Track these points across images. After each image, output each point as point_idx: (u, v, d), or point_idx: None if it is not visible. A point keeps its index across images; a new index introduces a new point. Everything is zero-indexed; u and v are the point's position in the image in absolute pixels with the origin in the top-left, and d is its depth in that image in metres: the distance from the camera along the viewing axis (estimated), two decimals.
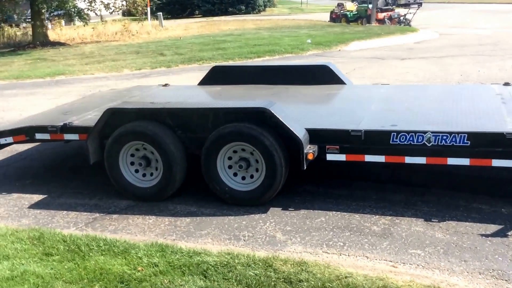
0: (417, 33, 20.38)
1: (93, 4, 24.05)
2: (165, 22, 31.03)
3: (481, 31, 21.13)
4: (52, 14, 24.91)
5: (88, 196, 5.62)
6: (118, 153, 5.31)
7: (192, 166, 5.30)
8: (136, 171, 5.40)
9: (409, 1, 37.51)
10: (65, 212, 5.25)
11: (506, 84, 6.42)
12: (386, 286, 3.55)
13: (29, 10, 24.31)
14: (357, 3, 29.55)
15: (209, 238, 4.53)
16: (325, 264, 3.91)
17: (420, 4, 34.64)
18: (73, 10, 22.87)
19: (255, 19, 34.11)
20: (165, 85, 7.89)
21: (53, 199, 5.59)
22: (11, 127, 6.07)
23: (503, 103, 5.52)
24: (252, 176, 5.08)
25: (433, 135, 4.62)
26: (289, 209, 5.00)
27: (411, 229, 4.47)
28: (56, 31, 27.69)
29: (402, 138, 4.72)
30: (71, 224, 4.97)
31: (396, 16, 26.37)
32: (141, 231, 4.75)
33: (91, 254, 4.18)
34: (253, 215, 4.91)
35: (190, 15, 46.67)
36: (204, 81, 7.59)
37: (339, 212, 4.86)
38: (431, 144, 4.64)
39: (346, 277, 3.70)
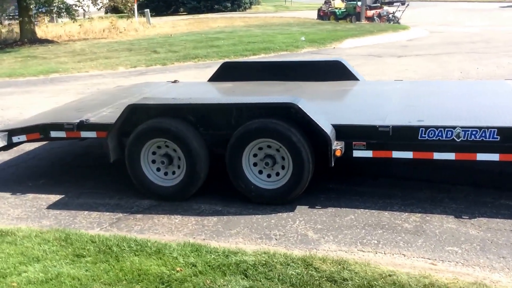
0: (408, 31, 20.48)
1: (81, 0, 23.70)
2: (151, 19, 30.74)
3: (469, 29, 21.30)
4: (39, 10, 24.45)
5: (107, 195, 5.51)
6: (139, 151, 5.21)
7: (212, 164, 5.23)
8: (158, 169, 5.30)
9: (392, 0, 37.71)
10: (86, 212, 5.14)
11: None
12: (433, 284, 3.52)
13: (13, 7, 23.95)
14: (345, 1, 29.60)
15: (240, 237, 4.47)
16: (364, 263, 3.86)
17: (404, 3, 34.81)
18: (61, 6, 22.48)
19: (243, 17, 33.98)
20: (175, 81, 7.79)
21: (71, 199, 5.47)
22: (22, 125, 5.93)
23: None
24: (278, 174, 5.02)
25: (462, 131, 4.60)
26: (316, 207, 4.95)
27: (443, 226, 4.45)
28: (42, 28, 27.25)
29: (431, 134, 4.69)
30: (94, 225, 4.86)
31: (385, 13, 26.47)
32: (168, 231, 4.66)
33: (124, 255, 4.09)
34: (280, 213, 4.85)
35: (175, 12, 46.36)
36: (214, 78, 7.50)
37: (367, 210, 4.82)
38: (460, 139, 4.62)
39: (389, 275, 3.66)
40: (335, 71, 7.00)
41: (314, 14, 31.24)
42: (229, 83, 7.16)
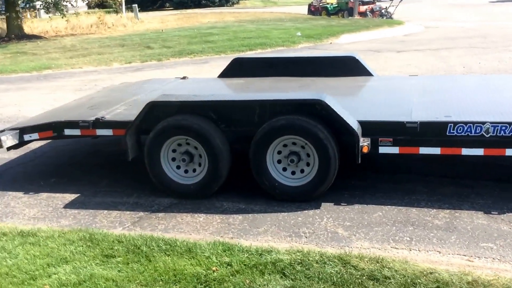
0: (403, 26, 20.58)
1: None
2: (138, 15, 30.53)
3: (463, 24, 21.44)
4: (27, 5, 24.14)
5: (125, 194, 5.45)
6: (159, 149, 5.16)
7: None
8: (178, 167, 5.25)
9: None
10: (105, 211, 5.07)
11: None
12: (476, 281, 3.52)
13: None
14: None
15: (268, 235, 4.44)
16: (402, 260, 3.86)
17: None
18: (50, 0, 22.21)
19: (233, 12, 33.92)
20: (184, 77, 7.72)
21: (88, 198, 5.39)
22: (34, 123, 5.83)
23: None
24: (302, 171, 5.00)
25: (491, 126, 4.61)
26: (342, 204, 4.94)
27: (474, 222, 4.46)
28: (27, 23, 26.93)
29: (460, 129, 4.70)
30: (116, 224, 4.81)
31: (377, 9, 26.59)
32: (194, 230, 4.61)
33: (154, 254, 4.04)
34: (306, 210, 4.83)
35: (161, 7, 46.17)
36: (225, 74, 7.45)
37: (394, 207, 4.82)
38: (489, 135, 4.63)
39: (430, 273, 3.65)
40: (349, 67, 6.99)
41: (304, 10, 31.30)
42: (241, 79, 7.12)
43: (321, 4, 29.50)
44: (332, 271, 3.70)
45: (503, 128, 4.59)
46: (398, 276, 3.61)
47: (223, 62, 14.03)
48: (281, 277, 3.66)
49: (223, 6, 45.14)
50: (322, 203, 4.95)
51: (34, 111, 9.26)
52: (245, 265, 3.82)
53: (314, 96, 4.87)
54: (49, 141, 7.32)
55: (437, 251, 4.06)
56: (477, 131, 4.65)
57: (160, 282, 3.65)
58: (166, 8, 45.92)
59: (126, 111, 5.83)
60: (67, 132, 5.60)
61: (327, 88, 6.36)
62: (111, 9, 34.71)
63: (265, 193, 5.09)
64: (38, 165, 6.60)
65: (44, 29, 25.88)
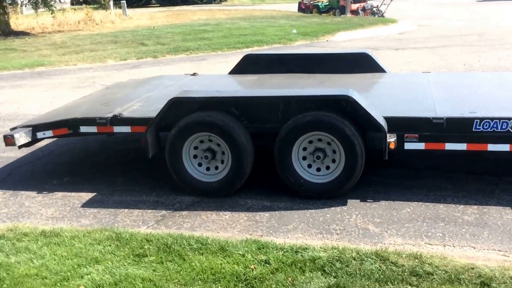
0: (397, 24, 20.67)
1: None
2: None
3: (455, 23, 21.57)
4: (14, 1, 23.80)
5: (143, 192, 5.38)
6: (182, 146, 5.10)
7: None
8: (200, 164, 5.20)
9: None
10: (126, 210, 5.00)
11: None
12: None
13: None
14: None
15: (299, 232, 4.41)
16: (440, 256, 3.86)
17: None
18: None
19: (222, 9, 33.81)
20: (194, 74, 7.66)
21: (106, 197, 5.32)
22: (47, 120, 5.73)
23: None
24: (328, 167, 4.98)
25: None
26: (368, 200, 4.93)
27: (503, 218, 4.47)
28: (12, 19, 26.54)
29: (486, 125, 4.72)
30: (139, 223, 4.74)
31: (369, 7, 26.68)
32: (221, 228, 4.57)
33: (187, 253, 3.99)
34: (333, 207, 4.81)
35: (147, 4, 45.82)
36: (236, 70, 7.39)
37: (421, 203, 4.82)
38: None
39: (471, 268, 3.66)
40: (362, 63, 6.99)
41: (293, 7, 31.31)
42: (253, 76, 7.07)
43: (312, 2, 29.51)
44: (373, 267, 3.68)
45: None
46: (440, 272, 3.61)
47: (221, 59, 14.07)
48: (322, 274, 3.64)
49: (211, 3, 44.97)
50: (348, 200, 4.94)
51: (34, 108, 9.18)
52: (283, 262, 3.79)
53: (341, 92, 4.85)
54: (55, 139, 7.22)
55: (472, 247, 4.07)
56: (503, 127, 4.68)
57: (199, 282, 3.60)
58: (153, 5, 45.59)
59: (142, 108, 5.76)
60: (83, 129, 5.52)
61: (344, 84, 6.34)
62: (96, 5, 34.40)
63: (288, 190, 5.06)
64: (46, 163, 6.49)
65: (30, 26, 25.51)
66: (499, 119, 4.69)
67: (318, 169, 5.00)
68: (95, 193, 5.42)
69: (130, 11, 33.47)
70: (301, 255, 3.89)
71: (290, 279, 3.56)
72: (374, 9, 26.49)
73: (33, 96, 10.28)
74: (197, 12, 31.09)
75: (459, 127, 4.78)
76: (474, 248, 4.05)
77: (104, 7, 30.40)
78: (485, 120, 4.71)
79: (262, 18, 24.53)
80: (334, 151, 4.92)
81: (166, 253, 4.01)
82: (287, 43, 16.53)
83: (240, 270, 3.71)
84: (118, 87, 7.32)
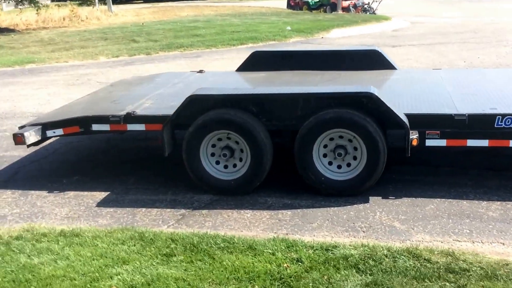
0: (390, 21, 20.82)
1: None
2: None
3: (448, 20, 21.78)
4: None
5: (158, 191, 5.35)
6: (199, 144, 5.08)
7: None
8: (217, 162, 5.18)
9: None
10: (144, 209, 4.97)
11: None
12: None
13: None
14: None
15: (324, 230, 4.42)
16: (472, 252, 3.89)
17: None
18: None
19: (210, 5, 33.77)
20: (200, 71, 7.62)
21: (120, 196, 5.28)
22: (56, 118, 5.66)
23: None
24: (349, 165, 5.00)
25: None
26: (390, 197, 4.96)
27: None
28: None
29: (508, 122, 4.77)
30: (159, 222, 4.71)
31: (360, 4, 26.82)
32: (243, 226, 4.56)
33: (216, 252, 3.97)
34: (356, 205, 4.83)
35: (130, 0, 45.56)
36: (243, 67, 7.37)
37: (444, 199, 4.86)
38: None
39: (506, 264, 3.70)
40: (372, 60, 7.01)
41: (281, 4, 31.31)
42: (262, 73, 7.06)
43: None
44: (407, 265, 3.70)
45: None
46: (476, 268, 3.64)
47: (216, 56, 14.04)
48: (357, 272, 3.65)
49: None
50: (370, 197, 4.96)
51: (30, 106, 9.10)
52: (315, 261, 3.80)
53: (363, 89, 4.87)
54: (57, 138, 7.15)
55: (501, 243, 4.11)
56: None
57: (233, 281, 3.59)
58: (137, 1, 45.36)
59: (154, 106, 5.73)
60: (95, 127, 5.47)
61: (356, 81, 6.36)
62: (80, 1, 34.12)
63: (308, 188, 5.07)
64: (53, 162, 6.42)
65: (13, 22, 25.18)
66: None
67: (339, 167, 5.02)
68: (108, 192, 5.37)
69: (115, 8, 33.25)
70: (332, 253, 3.90)
71: (326, 277, 3.57)
72: (366, 6, 26.66)
73: (28, 94, 10.16)
74: (184, 9, 30.99)
75: (480, 124, 4.83)
76: (503, 244, 4.10)
77: (89, 3, 30.17)
78: (507, 117, 4.77)
79: (252, 15, 24.53)
80: (356, 148, 4.94)
81: (194, 252, 3.99)
82: (281, 40, 16.55)
83: (273, 268, 3.71)
84: (122, 84, 7.26)
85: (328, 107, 4.89)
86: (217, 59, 13.71)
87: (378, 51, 7.10)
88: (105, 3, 30.75)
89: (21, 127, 5.65)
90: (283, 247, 4.01)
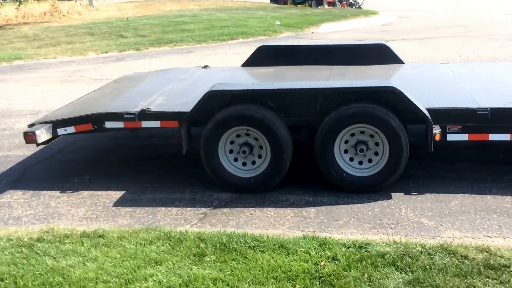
0: (379, 16, 20.92)
1: None
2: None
3: (436, 15, 21.97)
4: None
5: (176, 190, 5.28)
6: (218, 140, 5.02)
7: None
8: (236, 159, 5.13)
9: None
10: (163, 208, 4.90)
11: None
12: None
13: None
14: None
15: (351, 227, 4.40)
16: (507, 248, 3.91)
17: None
18: None
19: (193, 0, 33.44)
20: (205, 66, 7.54)
21: (137, 195, 5.20)
22: (68, 116, 5.55)
23: None
24: (370, 161, 4.99)
25: None
26: (412, 193, 4.96)
27: None
28: None
29: None
30: (181, 221, 4.65)
31: None
32: (269, 225, 4.52)
33: (248, 251, 3.93)
34: (379, 201, 4.82)
35: None
36: (249, 62, 7.31)
37: (468, 195, 4.87)
38: None
39: None
40: (380, 54, 7.02)
41: None
42: (269, 68, 7.01)
43: None
44: (445, 262, 3.70)
45: None
46: None
47: (208, 51, 13.97)
48: (396, 269, 3.63)
49: None
50: (392, 193, 4.96)
51: (27, 104, 8.97)
52: (351, 259, 3.77)
53: (385, 84, 4.87)
54: (60, 136, 7.01)
55: None
56: None
57: (272, 280, 3.55)
58: None
59: (166, 102, 5.65)
60: (108, 124, 5.37)
61: (365, 76, 6.34)
62: None
63: (327, 184, 5.05)
64: (60, 161, 6.30)
65: None
66: None
67: (360, 163, 5.01)
68: (124, 192, 5.29)
69: (96, 2, 32.84)
70: (366, 251, 3.88)
71: (366, 275, 3.55)
72: (351, 0, 26.73)
73: (21, 91, 9.98)
74: (167, 3, 30.65)
75: (503, 118, 4.85)
76: None
77: None
78: None
79: (238, 10, 24.42)
80: (377, 144, 4.93)
81: (225, 251, 3.94)
82: (272, 35, 16.51)
83: (310, 267, 3.68)
84: (127, 80, 7.15)
85: (348, 102, 4.87)
86: (210, 54, 13.61)
87: (386, 45, 7.12)
88: None
89: (30, 125, 5.52)
90: (316, 245, 3.98)
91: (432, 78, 6.17)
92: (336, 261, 3.75)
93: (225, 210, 4.82)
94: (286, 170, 5.05)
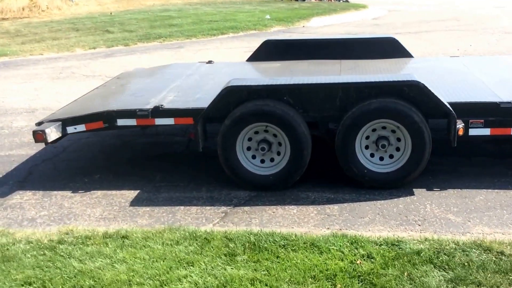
0: (368, 10, 21.00)
1: None
2: None
3: (425, 8, 22.06)
4: None
5: (192, 188, 5.25)
6: (236, 137, 5.00)
7: None
8: (253, 157, 5.12)
9: None
10: (182, 207, 4.87)
11: None
12: None
13: None
14: None
15: (378, 225, 4.41)
16: None
17: None
18: None
19: None
20: (209, 62, 7.49)
21: (152, 194, 5.15)
22: (77, 114, 5.46)
23: None
24: (391, 156, 5.00)
25: None
26: (434, 189, 4.99)
27: None
28: None
29: None
30: (203, 220, 4.62)
31: None
32: (293, 223, 4.51)
33: (280, 250, 3.92)
34: (402, 197, 4.85)
35: None
36: (255, 57, 7.27)
37: (491, 190, 4.92)
38: None
39: None
40: (388, 48, 7.05)
41: None
42: (276, 63, 6.99)
43: None
44: (482, 258, 3.73)
45: None
46: None
47: (198, 46, 13.90)
48: (435, 267, 3.65)
49: None
50: (413, 189, 4.98)
51: (20, 101, 8.87)
52: (386, 256, 3.78)
53: (409, 78, 4.88)
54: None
55: None
56: None
57: (311, 279, 3.55)
58: None
59: (178, 98, 5.61)
60: (120, 122, 5.31)
61: (377, 70, 6.37)
62: None
63: (346, 180, 5.07)
64: (66, 160, 6.21)
65: None
66: None
67: (381, 158, 5.02)
68: (138, 191, 5.24)
69: None
70: (400, 248, 3.90)
71: (406, 273, 3.56)
72: None
73: (13, 89, 9.82)
74: None
75: None
76: None
77: None
78: None
79: (224, 4, 24.35)
80: (399, 139, 4.95)
81: (256, 251, 3.93)
82: (262, 29, 16.48)
83: (347, 266, 3.68)
84: (130, 77, 7.07)
85: (369, 97, 4.88)
86: (201, 49, 13.54)
87: (395, 39, 7.15)
88: None
89: (38, 124, 5.43)
90: (348, 244, 3.98)
91: (446, 72, 6.22)
92: (371, 259, 3.76)
93: (246, 208, 4.80)
94: (306, 166, 5.05)
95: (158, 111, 5.23)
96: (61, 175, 5.74)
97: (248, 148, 5.10)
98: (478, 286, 3.42)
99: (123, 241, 4.15)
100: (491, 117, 4.91)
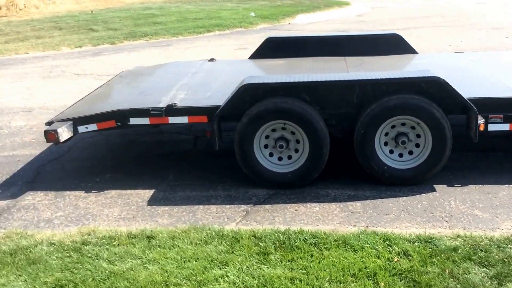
0: (351, 7, 21.08)
1: None
2: None
3: (408, 5, 22.08)
4: None
5: (208, 187, 5.18)
6: (253, 135, 4.95)
7: None
8: (271, 154, 5.07)
9: None
10: (201, 206, 4.80)
11: None
12: None
13: None
14: None
15: (405, 221, 4.40)
16: None
17: None
18: None
19: None
20: (211, 59, 7.40)
21: (169, 193, 5.07)
22: (89, 113, 5.35)
23: None
24: (411, 153, 5.00)
25: None
26: (455, 185, 4.99)
27: None
28: None
29: None
30: (225, 219, 4.56)
31: None
32: (317, 221, 4.48)
33: (312, 249, 3.89)
34: (424, 194, 4.84)
35: None
36: (258, 54, 7.21)
37: None
38: None
39: None
40: (393, 45, 7.06)
41: None
42: (279, 60, 6.93)
43: None
44: None
45: None
46: None
47: (186, 44, 13.82)
48: (475, 264, 3.64)
49: None
50: (434, 185, 4.99)
51: (15, 101, 8.77)
52: (423, 254, 3.77)
53: (429, 74, 4.88)
54: None
55: None
56: None
57: (351, 278, 3.52)
58: None
59: (188, 96, 5.53)
60: (133, 121, 5.21)
61: (383, 67, 6.36)
62: None
63: (365, 177, 5.07)
64: (72, 160, 6.08)
65: None
66: None
67: (401, 155, 5.02)
68: (153, 190, 5.15)
69: None
70: (435, 245, 3.89)
71: (447, 271, 3.55)
72: None
73: (4, 88, 9.61)
74: None
75: None
76: None
77: None
78: None
79: (204, 1, 24.15)
80: (419, 135, 4.95)
81: (288, 249, 3.89)
82: (248, 26, 16.42)
83: (385, 263, 3.66)
84: (133, 75, 6.94)
85: (387, 94, 4.87)
86: (189, 47, 13.44)
87: (399, 35, 7.16)
88: None
89: (48, 123, 5.31)
90: (380, 241, 3.96)
91: (455, 68, 6.24)
92: (408, 257, 3.75)
93: (267, 206, 4.75)
94: (325, 164, 5.02)
95: (172, 110, 5.15)
96: (70, 175, 5.61)
97: (265, 146, 5.06)
98: None
99: (149, 241, 4.07)
100: (510, 112, 4.94)
